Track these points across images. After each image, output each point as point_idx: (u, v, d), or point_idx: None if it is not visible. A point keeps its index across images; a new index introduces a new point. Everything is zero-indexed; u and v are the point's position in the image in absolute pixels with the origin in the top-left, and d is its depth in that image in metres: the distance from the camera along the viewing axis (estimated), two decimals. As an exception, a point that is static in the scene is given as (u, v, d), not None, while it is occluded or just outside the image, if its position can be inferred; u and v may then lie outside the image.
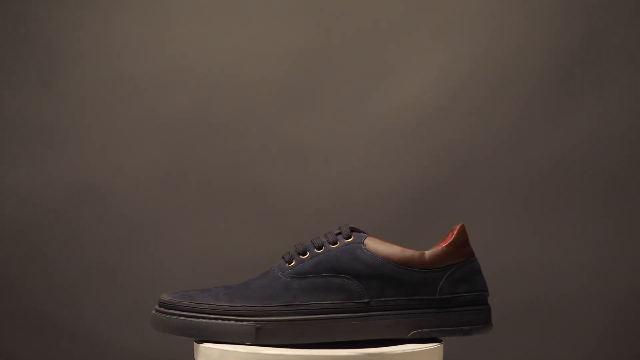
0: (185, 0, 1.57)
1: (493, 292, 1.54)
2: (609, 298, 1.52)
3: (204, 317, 0.94)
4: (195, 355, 0.96)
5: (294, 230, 1.55)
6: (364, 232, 0.98)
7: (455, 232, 0.96)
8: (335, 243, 0.96)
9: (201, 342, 0.95)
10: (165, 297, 0.95)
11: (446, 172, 1.54)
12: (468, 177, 1.54)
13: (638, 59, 1.52)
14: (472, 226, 1.54)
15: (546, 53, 1.52)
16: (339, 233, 0.97)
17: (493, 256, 1.54)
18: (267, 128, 1.56)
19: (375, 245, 0.95)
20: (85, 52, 1.57)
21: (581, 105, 1.53)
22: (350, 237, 0.96)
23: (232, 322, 0.93)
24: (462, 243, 0.96)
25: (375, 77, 1.55)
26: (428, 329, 0.95)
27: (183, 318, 0.94)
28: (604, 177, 1.53)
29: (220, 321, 0.93)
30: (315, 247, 0.96)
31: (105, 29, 1.57)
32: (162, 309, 0.95)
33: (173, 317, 0.95)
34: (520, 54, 1.53)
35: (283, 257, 0.96)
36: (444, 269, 0.95)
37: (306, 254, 0.96)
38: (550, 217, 1.53)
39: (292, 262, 0.96)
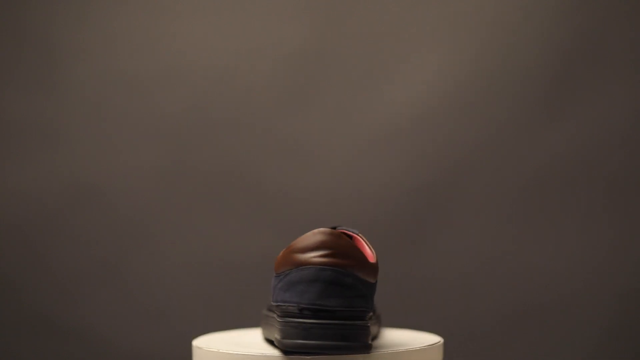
0: None
1: (493, 292, 1.54)
2: (608, 298, 1.52)
3: None
4: (193, 356, 0.96)
5: (295, 230, 1.55)
6: (352, 234, 0.97)
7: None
8: None
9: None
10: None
11: (443, 172, 1.54)
12: (466, 178, 1.54)
13: (636, 59, 1.52)
14: (470, 226, 1.54)
15: (543, 53, 1.53)
16: None
17: (492, 256, 1.54)
18: (268, 128, 1.56)
19: None
20: (85, 51, 1.57)
21: (579, 105, 1.53)
22: None
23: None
24: (295, 249, 0.89)
25: (373, 77, 1.55)
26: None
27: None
28: (603, 177, 1.53)
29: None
30: None
31: (105, 29, 1.57)
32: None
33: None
34: (517, 55, 1.53)
35: None
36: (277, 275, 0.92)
37: None
38: (549, 217, 1.53)
39: None
